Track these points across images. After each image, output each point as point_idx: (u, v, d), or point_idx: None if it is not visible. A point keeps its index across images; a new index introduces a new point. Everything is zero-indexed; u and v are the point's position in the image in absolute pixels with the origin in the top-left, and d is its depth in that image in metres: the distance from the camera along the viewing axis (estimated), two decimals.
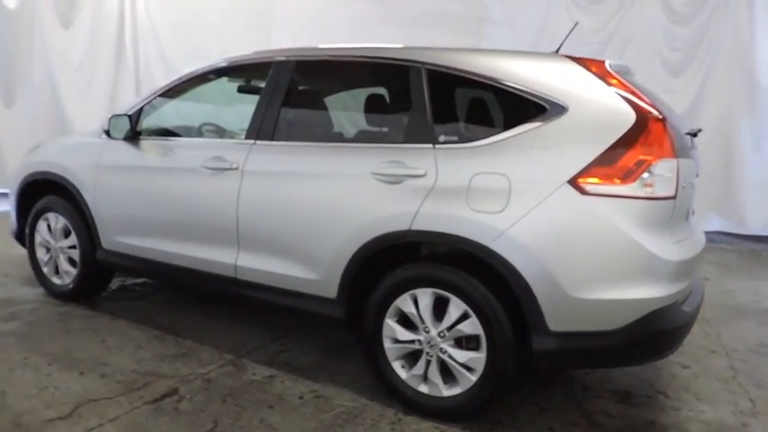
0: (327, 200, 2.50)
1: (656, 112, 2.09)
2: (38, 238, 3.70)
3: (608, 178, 2.05)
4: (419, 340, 2.37)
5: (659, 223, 2.09)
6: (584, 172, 2.06)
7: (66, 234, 3.55)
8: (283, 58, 2.81)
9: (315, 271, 2.56)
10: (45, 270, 3.70)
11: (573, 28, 2.85)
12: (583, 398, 2.65)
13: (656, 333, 2.10)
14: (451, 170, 2.25)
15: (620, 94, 2.13)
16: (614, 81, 2.17)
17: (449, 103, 2.45)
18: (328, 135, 2.89)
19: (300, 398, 2.56)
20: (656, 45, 6.09)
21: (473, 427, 2.34)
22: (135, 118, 3.20)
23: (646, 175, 2.03)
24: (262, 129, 2.76)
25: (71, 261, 3.57)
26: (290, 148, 2.69)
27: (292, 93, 2.79)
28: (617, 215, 2.04)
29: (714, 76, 6.04)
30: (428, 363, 2.37)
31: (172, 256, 3.03)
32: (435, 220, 2.24)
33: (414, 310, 2.37)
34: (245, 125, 2.91)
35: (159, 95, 3.24)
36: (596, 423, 2.44)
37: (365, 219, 2.39)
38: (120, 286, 4.03)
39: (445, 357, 2.32)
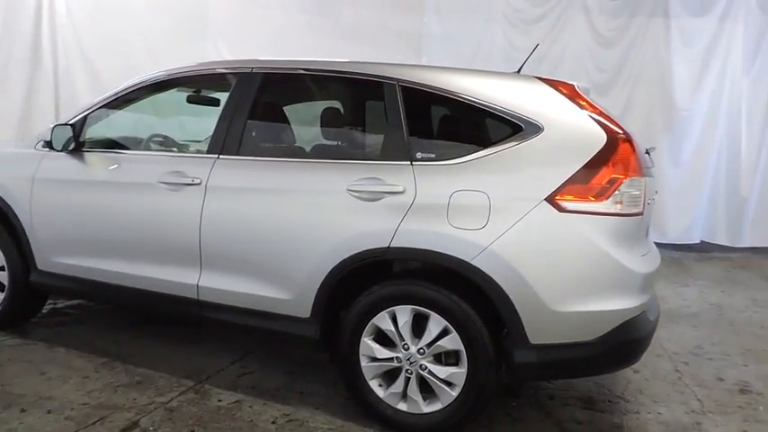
0: (301, 217, 2.43)
1: (623, 133, 2.21)
2: None
3: (583, 196, 2.14)
4: (398, 357, 2.35)
5: (629, 238, 2.21)
6: (560, 190, 2.14)
7: None
8: (248, 70, 2.72)
9: (287, 290, 2.47)
10: None
11: (534, 50, 2.96)
12: (551, 407, 2.73)
13: (628, 342, 2.21)
14: (430, 187, 2.26)
15: (589, 116, 2.24)
16: (584, 102, 2.28)
17: (424, 120, 2.47)
18: (299, 150, 2.82)
19: (273, 422, 2.46)
20: (585, 66, 6.49)
21: None
22: (78, 128, 2.97)
23: (617, 192, 2.14)
24: (226, 142, 2.64)
25: None
26: (258, 164, 2.60)
27: (259, 106, 2.69)
28: (592, 231, 2.13)
29: (636, 96, 6.51)
30: (407, 380, 2.35)
31: (124, 276, 2.82)
32: (416, 237, 2.24)
33: (392, 328, 2.34)
34: (202, 138, 2.78)
35: (106, 104, 3.03)
36: (568, 430, 2.52)
37: (341, 236, 2.35)
38: (52, 310, 3.70)
39: (425, 374, 2.31)
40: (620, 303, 2.16)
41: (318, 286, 2.41)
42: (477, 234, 2.16)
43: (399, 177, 2.31)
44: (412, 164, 2.32)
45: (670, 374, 3.18)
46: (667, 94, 6.45)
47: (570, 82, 2.37)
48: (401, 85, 2.44)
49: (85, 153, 2.95)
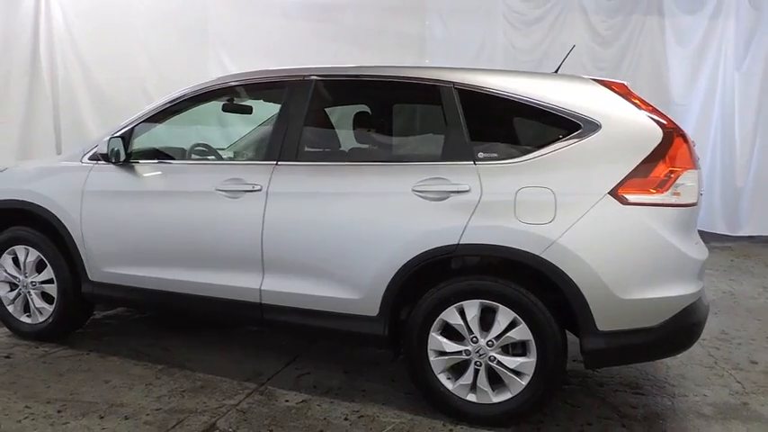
0: (368, 218, 2.51)
1: (677, 128, 2.34)
2: (0, 275, 3.32)
3: (644, 189, 2.26)
4: (467, 350, 2.44)
5: (686, 227, 2.34)
6: (622, 184, 2.26)
7: (39, 268, 3.23)
8: (301, 78, 2.79)
9: (354, 290, 2.55)
10: (10, 309, 3.33)
11: (569, 51, 3.11)
12: (603, 393, 2.86)
13: (688, 326, 2.34)
14: (496, 185, 2.36)
15: (643, 112, 2.37)
16: (636, 100, 2.41)
17: (482, 121, 2.56)
18: (358, 154, 2.89)
19: (345, 419, 2.53)
20: (584, 64, 6.67)
21: (523, 428, 2.45)
22: (127, 140, 3.00)
23: (675, 184, 2.27)
24: (283, 149, 2.71)
25: (45, 297, 3.24)
26: (319, 169, 2.67)
27: (315, 112, 2.77)
28: (654, 221, 2.25)
29: (634, 91, 6.70)
30: (476, 372, 2.45)
31: (182, 284, 2.86)
32: (486, 233, 2.34)
33: (461, 322, 2.44)
34: (254, 146, 2.83)
35: (152, 116, 3.06)
36: (625, 414, 2.64)
37: (410, 235, 2.43)
38: (92, 321, 3.70)
39: (494, 365, 2.42)
40: (680, 290, 2.29)
41: (387, 285, 2.49)
42: (545, 228, 2.27)
43: (464, 177, 2.40)
44: (475, 163, 2.42)
45: (705, 359, 3.34)
46: (664, 90, 6.68)
47: (621, 81, 2.50)
48: (457, 88, 2.54)
49: (137, 164, 2.98)
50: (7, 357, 3.07)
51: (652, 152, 2.28)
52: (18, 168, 3.43)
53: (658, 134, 2.30)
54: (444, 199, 2.41)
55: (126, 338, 3.41)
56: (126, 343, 3.33)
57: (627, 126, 2.34)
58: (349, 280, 2.56)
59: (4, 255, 3.30)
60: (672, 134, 2.30)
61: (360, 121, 3.10)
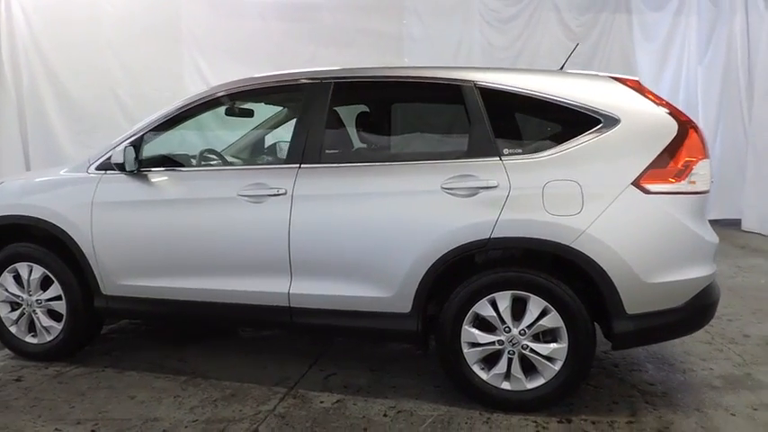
0: (399, 217, 2.55)
1: (691, 121, 2.48)
2: (0, 294, 3.19)
3: (663, 178, 2.40)
4: (500, 340, 2.52)
5: (701, 213, 2.49)
6: (643, 174, 2.39)
7: (44, 285, 3.12)
8: (320, 80, 2.80)
9: (386, 288, 2.59)
10: (13, 330, 3.20)
11: (573, 50, 3.23)
12: (620, 373, 3.00)
13: (707, 305, 2.50)
14: (523, 180, 2.45)
15: (658, 106, 2.50)
16: (650, 95, 2.54)
17: (505, 118, 2.64)
18: (382, 154, 2.92)
19: (384, 415, 2.57)
20: (558, 60, 6.86)
21: (554, 413, 2.54)
22: (137, 148, 2.93)
23: (691, 173, 2.41)
24: (306, 152, 2.72)
25: (52, 314, 3.14)
26: (344, 170, 2.69)
27: (336, 114, 2.78)
28: (674, 209, 2.39)
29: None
30: (509, 360, 2.53)
31: (205, 292, 2.82)
32: (517, 227, 2.42)
33: (493, 313, 2.52)
34: (250, 149, 2.81)
35: (160, 125, 3.00)
36: (645, 391, 2.78)
37: (441, 232, 2.49)
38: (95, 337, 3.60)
39: (527, 353, 2.51)
40: (699, 272, 2.44)
41: (419, 281, 2.54)
42: (574, 219, 2.37)
43: (492, 173, 2.48)
44: (501, 159, 2.50)
45: (703, 336, 3.53)
46: None
47: (634, 77, 2.63)
48: (478, 87, 2.61)
49: (150, 173, 2.92)
50: (18, 380, 2.96)
51: (669, 144, 2.41)
52: (15, 182, 3.29)
53: (674, 126, 2.44)
54: (473, 195, 2.48)
55: (136, 352, 3.33)
56: (138, 357, 3.26)
57: (644, 120, 2.47)
58: (380, 279, 2.59)
59: (4, 273, 3.17)
60: (686, 126, 2.44)
61: (382, 122, 3.13)
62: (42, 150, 6.86)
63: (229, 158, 3.50)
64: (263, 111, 3.57)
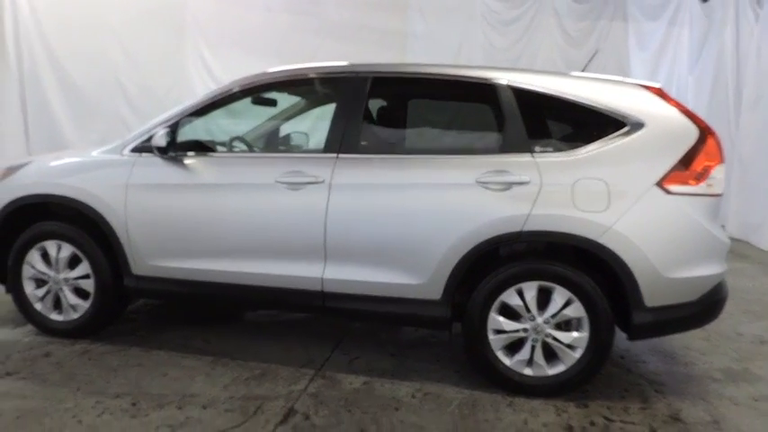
0: (434, 208, 2.67)
1: (709, 127, 2.66)
2: (27, 272, 3.21)
3: (684, 180, 2.57)
4: (524, 328, 2.67)
5: (716, 214, 2.68)
6: (667, 176, 2.56)
7: (72, 263, 3.16)
8: (357, 74, 2.90)
9: (418, 275, 2.71)
10: (38, 307, 3.23)
11: (593, 56, 3.38)
12: (626, 364, 3.18)
13: (718, 300, 2.69)
14: (554, 177, 2.60)
15: (680, 112, 2.67)
16: (672, 101, 2.71)
17: (537, 118, 2.78)
18: (418, 147, 3.02)
19: (413, 396, 2.70)
20: (556, 63, 7.10)
21: (571, 398, 2.71)
22: (174, 132, 2.99)
23: (710, 177, 2.59)
24: (343, 142, 2.82)
25: (78, 292, 3.18)
26: (382, 161, 2.80)
27: (372, 107, 2.88)
28: (693, 209, 2.57)
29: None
30: (533, 347, 2.68)
31: (239, 275, 2.90)
32: (547, 221, 2.57)
33: (520, 302, 2.66)
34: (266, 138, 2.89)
35: (197, 110, 3.06)
36: (652, 380, 2.97)
37: (475, 223, 2.62)
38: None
39: (549, 341, 2.66)
40: (713, 269, 2.62)
41: (451, 270, 2.67)
42: (601, 216, 2.53)
43: (525, 169, 2.62)
44: (533, 157, 2.65)
45: (699, 332, 3.72)
46: None
47: (656, 84, 2.80)
48: (512, 87, 2.75)
49: (186, 157, 2.98)
50: (47, 356, 3.00)
51: (691, 148, 2.58)
52: (44, 162, 3.30)
53: (695, 132, 2.61)
54: (507, 190, 2.61)
55: (160, 333, 3.39)
56: (162, 337, 3.32)
57: (667, 124, 2.64)
58: (413, 266, 2.71)
59: (32, 251, 3.20)
60: (705, 132, 2.62)
61: (417, 117, 3.24)
62: (43, 134, 6.78)
63: (241, 146, 3.54)
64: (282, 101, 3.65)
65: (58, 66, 6.74)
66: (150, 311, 3.79)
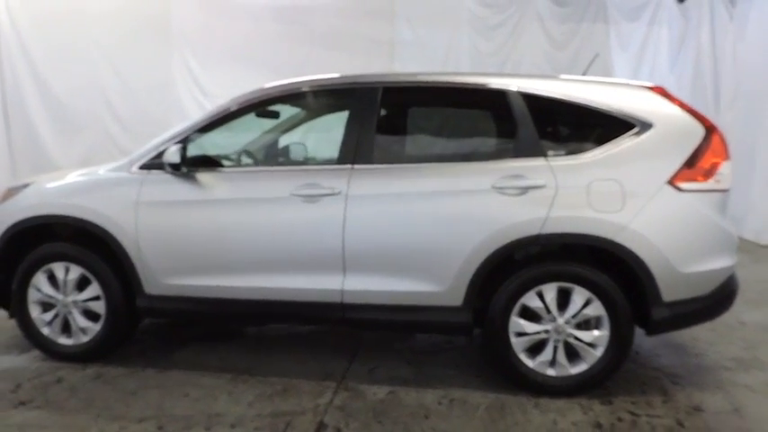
0: (452, 215, 2.69)
1: (713, 125, 2.74)
2: (33, 295, 3.13)
3: (693, 178, 2.64)
4: (546, 330, 2.71)
5: (724, 209, 2.75)
6: (677, 174, 2.62)
7: (81, 285, 3.09)
8: (368, 85, 2.91)
9: (439, 283, 2.72)
10: (46, 331, 3.15)
11: (593, 59, 3.45)
12: (641, 359, 3.23)
13: (730, 292, 2.76)
14: (569, 180, 2.64)
15: (684, 111, 2.74)
16: (676, 101, 2.78)
17: (547, 122, 2.82)
18: (432, 156, 3.03)
19: (439, 403, 2.70)
20: (541, 67, 7.21)
21: (594, 396, 2.74)
22: (185, 148, 2.95)
23: (717, 173, 2.66)
24: (358, 153, 2.82)
25: (88, 315, 3.11)
26: (398, 170, 2.81)
27: (386, 117, 2.89)
28: (704, 205, 2.64)
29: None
30: (555, 348, 2.72)
31: (257, 290, 2.88)
32: (565, 223, 2.61)
33: (540, 304, 2.70)
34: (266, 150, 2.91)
35: (205, 125, 3.02)
36: (668, 373, 3.04)
37: (493, 229, 2.65)
38: None
39: (571, 340, 2.70)
40: (725, 262, 2.70)
41: (471, 276, 2.69)
42: (617, 216, 2.58)
43: (540, 173, 2.66)
44: (548, 161, 2.69)
45: (704, 324, 3.80)
46: None
47: (659, 85, 2.87)
48: (521, 93, 2.79)
49: (198, 172, 2.95)
50: (59, 382, 2.92)
51: (698, 146, 2.66)
52: (48, 182, 3.22)
53: (701, 130, 2.68)
54: (523, 194, 2.65)
55: (171, 352, 3.33)
56: (174, 357, 3.26)
57: (674, 124, 2.71)
58: (434, 274, 2.73)
59: (38, 273, 3.12)
60: (712, 130, 2.70)
61: (430, 124, 3.25)
62: (27, 151, 6.63)
63: (245, 159, 3.51)
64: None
65: (41, 82, 6.61)
66: (156, 331, 3.72)
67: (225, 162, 3.16)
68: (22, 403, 2.69)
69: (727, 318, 3.87)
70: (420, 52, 7.08)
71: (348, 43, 6.96)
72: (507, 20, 7.11)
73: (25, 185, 3.24)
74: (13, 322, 3.32)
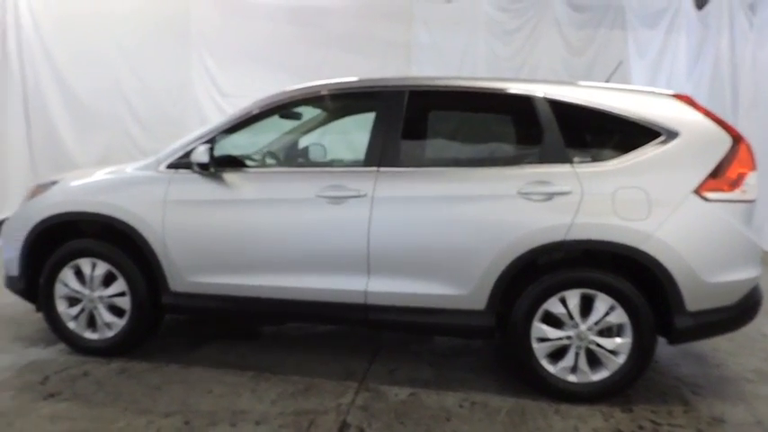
0: (477, 219, 2.71)
1: (740, 135, 2.74)
2: (60, 290, 3.18)
3: (720, 188, 2.64)
4: (568, 336, 2.72)
5: (749, 219, 2.75)
6: (703, 184, 2.63)
7: (107, 281, 3.14)
8: (394, 89, 2.94)
9: (463, 286, 2.74)
10: (72, 325, 3.20)
11: (617, 67, 3.45)
12: (661, 369, 3.23)
13: (755, 302, 2.76)
14: (595, 187, 2.65)
15: (711, 120, 2.74)
16: (703, 110, 2.79)
17: (574, 129, 2.83)
18: (458, 160, 3.06)
19: (460, 406, 2.72)
20: (557, 72, 7.21)
21: (615, 403, 2.75)
22: (212, 148, 2.99)
23: (744, 183, 2.67)
24: (383, 156, 2.85)
25: (113, 310, 3.16)
26: (424, 174, 2.83)
27: (411, 121, 2.92)
28: (729, 215, 2.64)
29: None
30: (576, 354, 2.73)
31: (281, 290, 2.91)
32: (590, 230, 2.62)
33: (563, 310, 2.71)
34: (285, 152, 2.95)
35: (232, 126, 3.07)
36: (688, 383, 3.03)
37: (518, 234, 2.67)
38: None
39: (593, 347, 2.71)
40: (750, 272, 2.70)
41: (495, 280, 2.71)
42: (643, 224, 2.59)
43: (565, 179, 2.68)
44: (573, 167, 2.70)
45: (725, 335, 3.81)
46: None
47: (685, 93, 2.87)
48: (548, 99, 2.81)
49: (225, 172, 2.98)
50: (86, 375, 2.97)
51: (725, 156, 2.66)
52: (76, 180, 3.27)
53: (728, 140, 2.69)
54: (549, 200, 2.67)
55: (192, 349, 3.37)
56: (196, 353, 3.30)
57: (700, 133, 2.71)
58: (458, 277, 2.75)
59: (65, 269, 3.17)
60: (739, 140, 2.70)
61: (456, 129, 3.27)
62: (46, 148, 6.71)
63: (266, 160, 3.55)
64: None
65: (62, 82, 6.69)
66: (174, 328, 3.76)
67: (249, 162, 3.19)
68: (51, 395, 2.74)
69: (748, 329, 3.84)
70: (437, 56, 7.09)
71: (365, 46, 6.99)
72: (525, 24, 7.11)
73: (52, 183, 3.29)
74: (37, 316, 3.40)
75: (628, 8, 7.18)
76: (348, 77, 3.07)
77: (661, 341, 2.81)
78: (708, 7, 7.12)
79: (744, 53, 6.90)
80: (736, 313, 2.70)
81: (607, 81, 3.34)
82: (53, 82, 6.72)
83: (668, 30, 7.20)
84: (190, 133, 3.18)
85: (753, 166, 2.72)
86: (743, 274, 2.67)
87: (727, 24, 6.99)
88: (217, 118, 6.93)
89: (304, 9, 6.99)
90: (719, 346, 3.59)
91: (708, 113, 2.79)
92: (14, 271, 3.25)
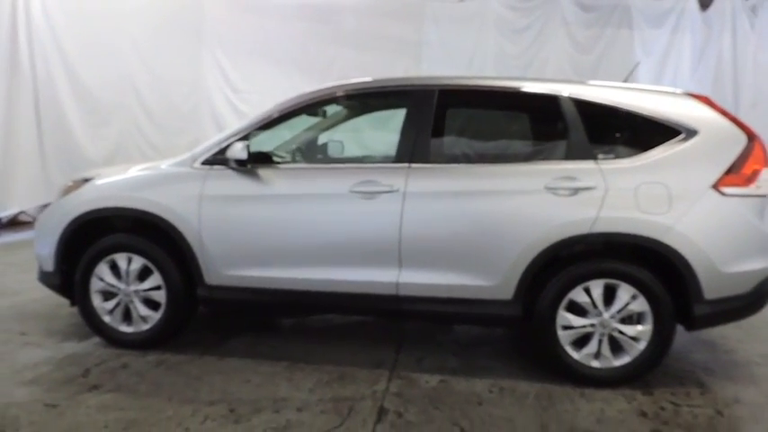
0: (506, 214, 2.83)
1: (755, 134, 2.88)
2: (96, 285, 3.28)
3: (736, 183, 2.78)
4: (592, 324, 2.85)
5: (763, 213, 2.89)
6: (721, 179, 2.76)
7: (142, 275, 3.24)
8: (425, 87, 3.06)
9: (492, 277, 2.87)
10: (107, 319, 3.30)
11: (634, 68, 3.59)
12: (674, 354, 3.35)
13: (766, 292, 2.90)
14: (618, 182, 2.78)
15: (728, 119, 2.88)
16: (719, 110, 2.92)
17: (597, 127, 2.95)
18: (487, 157, 3.18)
19: (490, 392, 2.85)
20: (564, 70, 7.35)
21: (636, 387, 2.88)
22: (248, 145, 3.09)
23: (759, 179, 2.80)
24: (415, 152, 2.97)
25: (149, 304, 3.26)
26: (454, 169, 2.96)
27: (441, 119, 3.04)
28: (745, 209, 2.78)
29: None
30: (599, 341, 2.86)
31: (316, 282, 3.03)
32: (614, 223, 2.75)
33: (587, 299, 2.84)
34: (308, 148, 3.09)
35: (266, 123, 3.18)
36: (703, 368, 3.19)
37: (546, 227, 2.79)
38: None
39: (615, 334, 2.84)
40: (763, 263, 2.84)
41: (523, 271, 2.84)
42: (664, 217, 2.73)
43: (590, 175, 2.80)
44: (597, 164, 2.83)
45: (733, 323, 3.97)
46: None
47: (703, 94, 3.01)
48: (573, 98, 2.94)
49: (260, 168, 3.09)
50: (125, 368, 3.07)
51: (741, 153, 2.80)
52: (112, 176, 3.37)
53: (743, 138, 2.83)
54: (574, 195, 2.79)
55: (223, 341, 3.48)
56: (228, 345, 3.41)
57: (718, 131, 2.85)
58: (486, 269, 2.87)
59: (100, 264, 3.27)
60: (754, 138, 2.84)
61: (484, 127, 3.40)
62: (57, 141, 6.74)
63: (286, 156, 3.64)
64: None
65: (73, 75, 6.73)
66: (202, 322, 3.86)
67: (280, 159, 3.30)
68: (95, 387, 2.84)
69: (754, 317, 4.04)
70: (446, 53, 7.21)
71: (376, 44, 7.09)
72: (533, 23, 7.24)
73: (86, 179, 3.38)
74: (66, 310, 3.50)
75: (634, 8, 7.33)
76: (382, 77, 3.19)
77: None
78: (711, 8, 7.28)
79: (745, 54, 7.08)
80: (750, 301, 2.84)
81: (625, 81, 3.47)
82: (64, 75, 6.76)
83: (673, 29, 7.35)
84: (225, 130, 3.28)
85: (766, 162, 2.86)
86: (757, 265, 2.81)
87: (729, 25, 7.17)
88: (228, 113, 7.06)
89: (316, 6, 7.09)
90: (728, 333, 3.73)
91: (724, 113, 2.92)
92: (49, 266, 3.34)
